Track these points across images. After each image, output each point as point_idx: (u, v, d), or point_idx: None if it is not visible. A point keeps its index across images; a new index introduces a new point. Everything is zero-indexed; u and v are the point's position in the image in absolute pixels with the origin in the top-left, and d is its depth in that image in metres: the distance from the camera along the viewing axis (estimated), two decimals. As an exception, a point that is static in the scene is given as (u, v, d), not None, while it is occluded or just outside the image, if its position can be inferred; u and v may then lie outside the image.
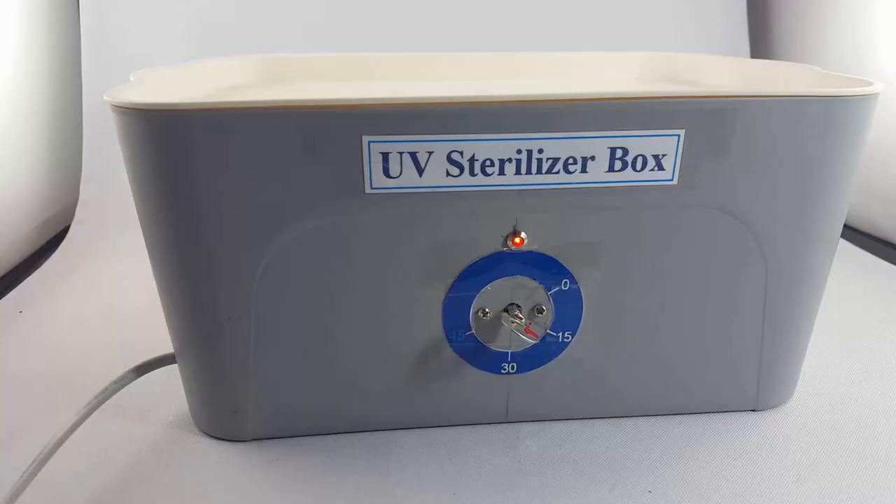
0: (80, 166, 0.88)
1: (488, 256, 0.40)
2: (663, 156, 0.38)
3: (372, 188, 0.37)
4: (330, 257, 0.39)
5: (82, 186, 0.87)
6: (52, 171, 0.85)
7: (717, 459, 0.43)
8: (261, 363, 0.42)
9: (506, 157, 0.37)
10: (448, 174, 0.37)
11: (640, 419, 0.46)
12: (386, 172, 0.37)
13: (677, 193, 0.39)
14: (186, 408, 0.46)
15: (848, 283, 0.67)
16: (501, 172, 0.38)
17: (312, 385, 0.43)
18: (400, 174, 0.37)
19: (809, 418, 0.47)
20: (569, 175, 0.38)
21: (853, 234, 0.83)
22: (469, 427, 0.45)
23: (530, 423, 0.45)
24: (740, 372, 0.46)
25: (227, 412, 0.44)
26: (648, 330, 0.44)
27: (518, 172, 0.38)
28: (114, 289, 0.68)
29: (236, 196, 0.37)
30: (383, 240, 0.39)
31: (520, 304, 0.42)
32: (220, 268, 0.39)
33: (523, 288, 0.42)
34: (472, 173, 0.37)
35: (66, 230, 0.83)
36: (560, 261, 0.41)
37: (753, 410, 0.47)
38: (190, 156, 0.36)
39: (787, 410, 0.47)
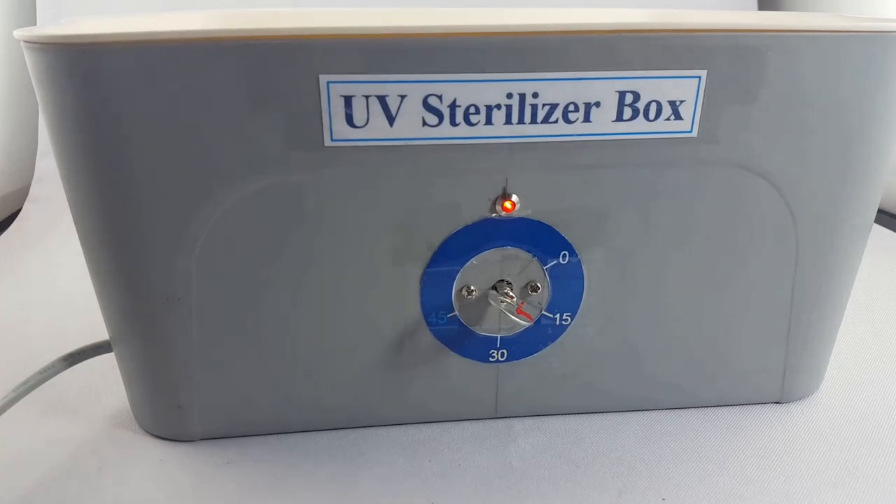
0: (36, 143, 0.82)
1: (473, 224, 0.35)
2: (681, 102, 0.32)
3: (332, 140, 0.31)
4: (283, 225, 0.34)
5: (38, 163, 0.80)
6: (6, 148, 0.78)
7: (741, 460, 0.37)
8: (206, 351, 0.36)
9: (494, 104, 0.31)
10: (424, 124, 0.31)
11: (651, 414, 0.41)
12: (349, 121, 0.31)
13: (696, 148, 0.34)
14: (127, 404, 0.40)
15: (878, 266, 0.62)
16: (489, 122, 0.32)
17: (269, 376, 0.37)
18: (366, 123, 0.31)
19: (841, 411, 0.41)
20: (569, 125, 0.32)
21: (881, 215, 0.78)
22: (452, 424, 0.40)
23: (523, 419, 0.41)
24: (765, 359, 0.40)
25: (169, 407, 0.38)
26: (661, 311, 0.38)
27: (508, 122, 0.32)
28: (66, 270, 0.62)
29: (169, 150, 0.31)
30: (347, 204, 0.33)
31: (511, 280, 0.36)
32: (153, 238, 0.33)
33: (515, 261, 0.36)
34: (453, 123, 0.32)
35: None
36: (558, 229, 0.35)
37: (777, 403, 0.42)
38: (113, 100, 0.30)
39: (814, 403, 0.42)
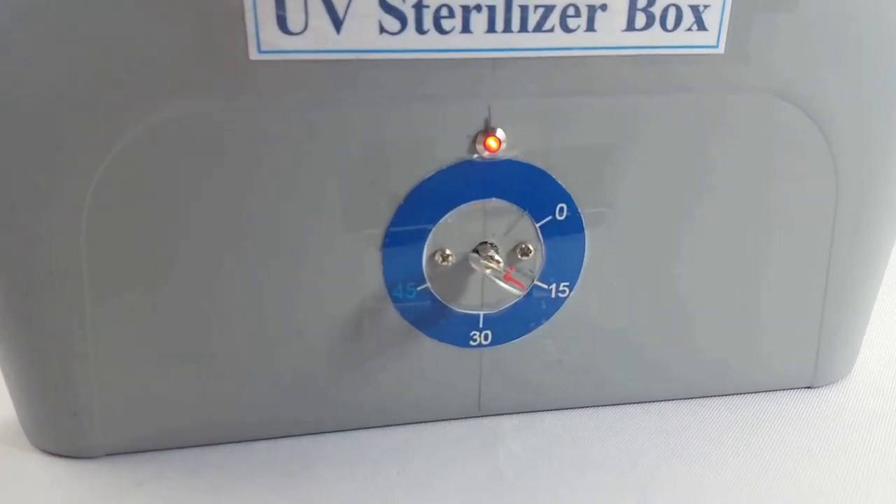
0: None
1: (448, 169, 0.28)
2: (705, 7, 0.27)
3: (260, 52, 0.25)
4: (198, 172, 0.26)
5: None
6: None
7: (776, 455, 0.32)
8: (105, 340, 0.29)
9: (472, 4, 0.25)
10: (382, 30, 0.25)
11: (666, 406, 0.35)
12: (282, 24, 0.24)
13: (723, 68, 0.28)
14: (14, 414, 0.33)
15: None
16: (466, 29, 0.25)
17: (188, 372, 0.30)
18: (304, 29, 0.24)
19: (882, 396, 0.36)
20: (567, 35, 0.26)
21: None
22: (427, 425, 0.33)
23: (512, 416, 0.34)
24: (797, 337, 0.35)
25: (63, 415, 0.30)
26: (678, 281, 0.32)
27: (491, 30, 0.25)
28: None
29: (43, 68, 0.24)
30: (282, 142, 0.26)
31: (495, 242, 0.30)
32: (25, 190, 0.25)
33: (501, 217, 0.29)
34: (419, 30, 0.25)
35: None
36: (554, 175, 0.29)
37: (809, 387, 0.36)
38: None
39: (849, 386, 0.37)
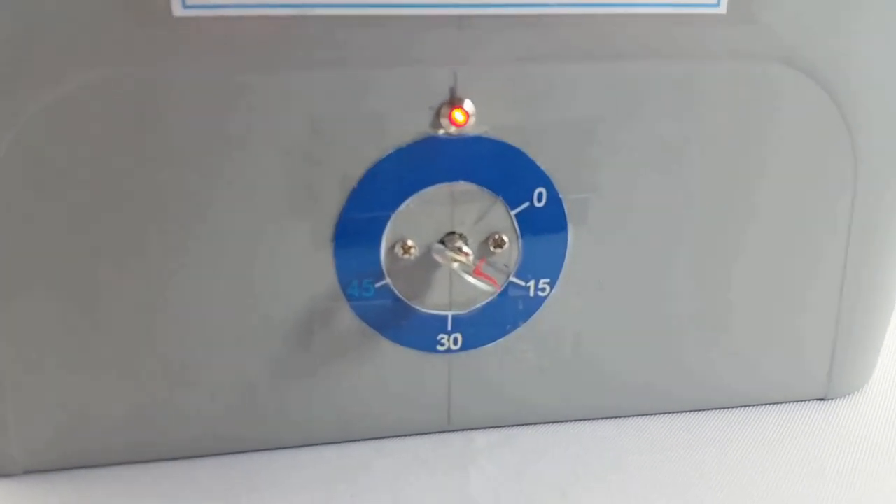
0: None
1: (408, 147, 0.25)
2: None
3: (185, 7, 0.22)
4: (118, 148, 0.23)
5: None
6: None
7: (783, 473, 0.28)
8: (19, 339, 0.25)
9: None
10: None
11: (661, 419, 0.31)
12: None
13: (725, 31, 0.25)
14: None
15: None
16: None
17: (116, 380, 0.27)
18: None
19: None
20: None
21: None
22: (388, 441, 0.30)
23: (487, 431, 0.30)
24: (808, 344, 0.31)
25: None
26: (674, 279, 0.29)
27: None
28: None
29: None
30: (214, 113, 0.23)
31: (465, 232, 0.26)
32: None
33: (470, 204, 0.26)
34: None
35: None
36: (531, 155, 0.25)
37: (822, 399, 0.33)
38: None
39: (865, 399, 0.33)
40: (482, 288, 0.25)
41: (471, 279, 0.25)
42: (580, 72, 0.24)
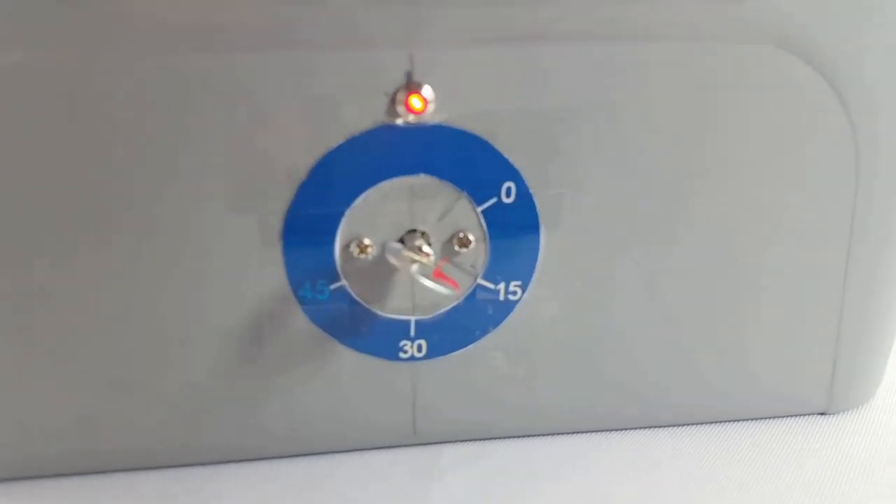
0: None
1: (361, 136, 0.22)
2: None
3: None
4: (38, 142, 0.21)
5: None
6: None
7: (778, 493, 0.26)
8: None
9: None
10: None
11: (643, 434, 0.29)
12: None
13: (715, 10, 0.22)
14: None
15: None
16: None
17: (52, 387, 0.24)
18: None
19: None
20: None
21: None
22: (347, 455, 0.27)
23: (454, 445, 0.28)
24: (807, 353, 0.28)
25: None
26: (658, 281, 0.26)
27: None
28: None
29: None
30: (144, 99, 0.21)
31: (427, 230, 0.24)
32: None
33: (432, 199, 0.24)
34: None
35: None
36: (497, 146, 0.23)
37: (823, 414, 0.30)
38: None
39: (871, 414, 0.31)
40: (441, 292, 0.23)
41: (428, 283, 0.23)
42: (553, 54, 0.22)
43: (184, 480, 0.26)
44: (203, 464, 0.26)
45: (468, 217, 0.24)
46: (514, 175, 0.23)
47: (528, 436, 0.28)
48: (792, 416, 0.30)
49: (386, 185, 0.23)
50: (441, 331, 0.25)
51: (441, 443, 0.28)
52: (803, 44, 0.23)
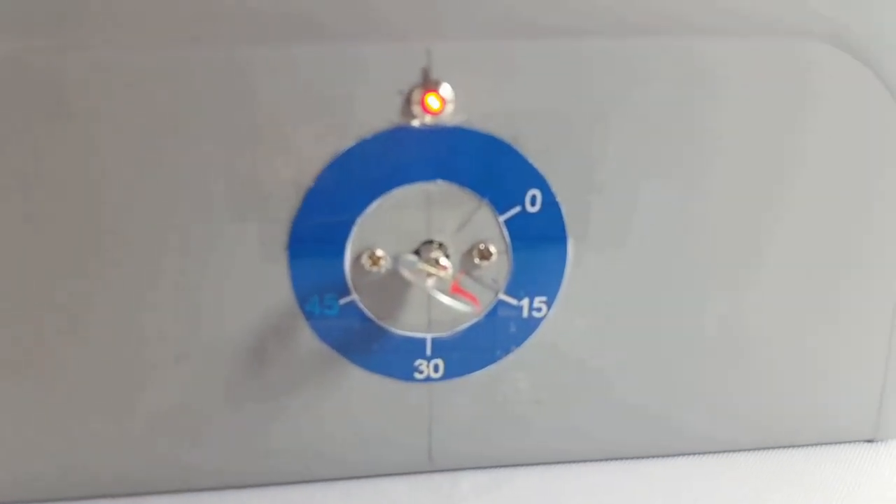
0: None
1: (374, 138, 0.21)
2: None
3: None
4: (24, 141, 0.19)
5: None
6: None
7: None
8: None
9: None
10: None
11: (677, 461, 0.27)
12: None
13: (757, 4, 0.21)
14: None
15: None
16: None
17: (38, 407, 0.23)
18: None
19: None
20: None
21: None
22: (357, 483, 0.26)
23: (473, 472, 0.27)
24: (854, 378, 0.27)
25: None
26: (695, 298, 0.24)
27: None
28: None
29: None
30: (140, 99, 0.19)
31: (445, 241, 0.22)
32: None
33: (451, 207, 0.22)
34: None
35: None
36: (521, 150, 0.22)
37: (870, 441, 0.29)
38: None
39: None
40: (459, 308, 0.21)
41: (445, 298, 0.21)
42: (582, 49, 0.20)
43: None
44: (204, 489, 0.25)
45: (489, 227, 0.22)
46: (540, 182, 0.22)
47: (553, 463, 0.27)
48: (838, 443, 0.28)
49: (400, 192, 0.22)
50: (459, 350, 0.24)
51: (459, 469, 0.26)
52: (853, 39, 0.21)
